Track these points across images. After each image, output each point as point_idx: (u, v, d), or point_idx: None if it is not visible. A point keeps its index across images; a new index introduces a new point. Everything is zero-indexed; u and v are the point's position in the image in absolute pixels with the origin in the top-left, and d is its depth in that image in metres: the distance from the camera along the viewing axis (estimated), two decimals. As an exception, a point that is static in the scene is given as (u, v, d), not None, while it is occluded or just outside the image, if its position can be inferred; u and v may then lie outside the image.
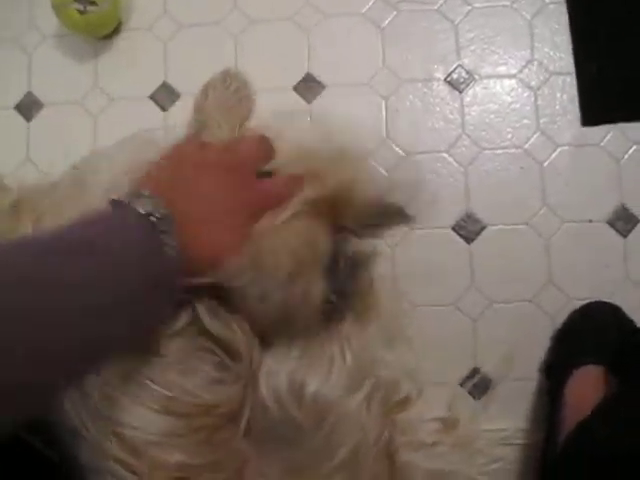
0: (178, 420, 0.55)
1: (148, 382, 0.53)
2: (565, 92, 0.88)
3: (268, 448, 0.59)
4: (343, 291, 0.59)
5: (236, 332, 0.56)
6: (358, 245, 0.60)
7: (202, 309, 0.54)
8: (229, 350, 0.56)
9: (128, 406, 0.53)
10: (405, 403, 0.77)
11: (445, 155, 0.87)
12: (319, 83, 0.90)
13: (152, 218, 0.37)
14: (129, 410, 0.53)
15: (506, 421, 0.81)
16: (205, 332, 0.55)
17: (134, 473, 0.55)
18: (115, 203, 0.38)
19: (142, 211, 0.37)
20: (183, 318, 0.53)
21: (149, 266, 0.36)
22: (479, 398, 0.83)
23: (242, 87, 0.83)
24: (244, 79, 0.84)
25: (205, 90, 0.83)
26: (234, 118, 0.79)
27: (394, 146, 0.88)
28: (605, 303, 0.83)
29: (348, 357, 0.62)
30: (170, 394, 0.54)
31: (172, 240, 0.37)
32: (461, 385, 0.83)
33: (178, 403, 0.54)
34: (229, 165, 0.46)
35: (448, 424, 0.75)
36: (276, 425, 0.59)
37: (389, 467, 0.72)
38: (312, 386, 0.59)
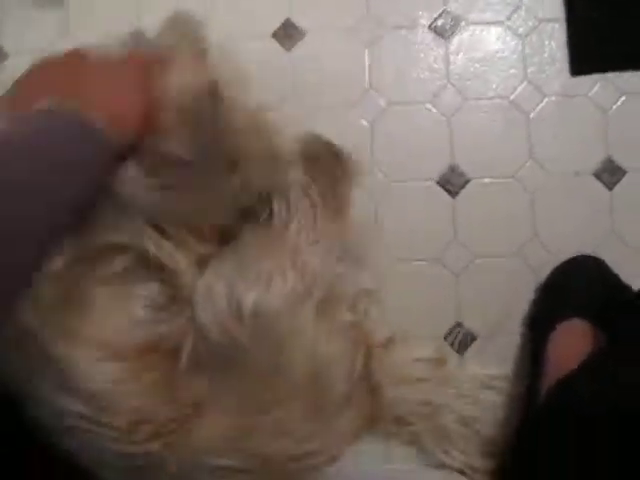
0: (124, 363, 0.55)
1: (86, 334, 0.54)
2: (554, 40, 0.85)
3: (220, 378, 0.59)
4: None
5: (179, 262, 0.56)
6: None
7: (147, 239, 0.54)
8: (170, 281, 0.56)
9: (74, 360, 0.53)
10: (388, 343, 0.77)
11: (429, 106, 0.85)
12: (298, 29, 0.86)
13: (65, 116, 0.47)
14: (77, 364, 0.53)
15: (489, 369, 0.80)
16: (147, 264, 0.56)
17: (93, 423, 0.54)
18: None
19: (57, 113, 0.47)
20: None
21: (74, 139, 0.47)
22: (462, 352, 0.82)
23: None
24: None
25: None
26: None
27: (377, 96, 0.85)
28: (590, 257, 0.82)
29: (289, 271, 0.61)
30: (110, 339, 0.54)
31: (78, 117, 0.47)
32: (444, 339, 0.82)
33: (119, 346, 0.55)
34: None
35: (435, 363, 0.76)
36: (222, 351, 0.59)
37: (374, 402, 0.72)
38: (249, 302, 0.58)
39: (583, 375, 0.65)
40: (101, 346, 0.55)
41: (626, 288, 0.79)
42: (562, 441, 0.62)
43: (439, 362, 0.79)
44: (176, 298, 0.59)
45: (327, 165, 0.75)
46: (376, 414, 0.72)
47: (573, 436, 0.60)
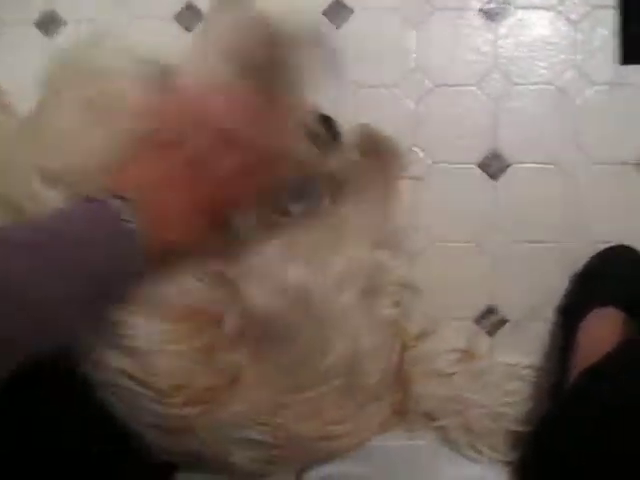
0: (170, 325, 0.57)
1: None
2: (606, 27, 0.84)
3: (259, 353, 0.61)
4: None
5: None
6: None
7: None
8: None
9: (127, 318, 0.56)
10: (421, 336, 0.78)
11: (474, 89, 0.85)
12: (347, 8, 0.86)
13: (123, 218, 0.49)
14: (125, 321, 0.56)
15: (521, 357, 0.81)
16: None
17: (136, 382, 0.56)
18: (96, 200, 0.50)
19: (115, 211, 0.49)
20: None
21: (117, 247, 0.50)
22: (494, 336, 0.83)
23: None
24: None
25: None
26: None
27: (423, 77, 0.85)
28: (627, 247, 0.81)
29: (336, 256, 0.64)
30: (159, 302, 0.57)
31: (134, 226, 0.49)
32: (477, 322, 0.83)
33: (167, 309, 0.58)
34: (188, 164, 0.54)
35: (466, 356, 0.76)
36: (265, 324, 0.60)
37: (403, 395, 0.73)
38: (294, 278, 0.61)
39: (609, 366, 0.65)
40: (149, 307, 0.58)
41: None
42: (585, 430, 0.62)
43: (469, 355, 0.79)
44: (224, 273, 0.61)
45: (380, 156, 0.76)
46: (405, 407, 0.73)
47: (596, 426, 0.61)
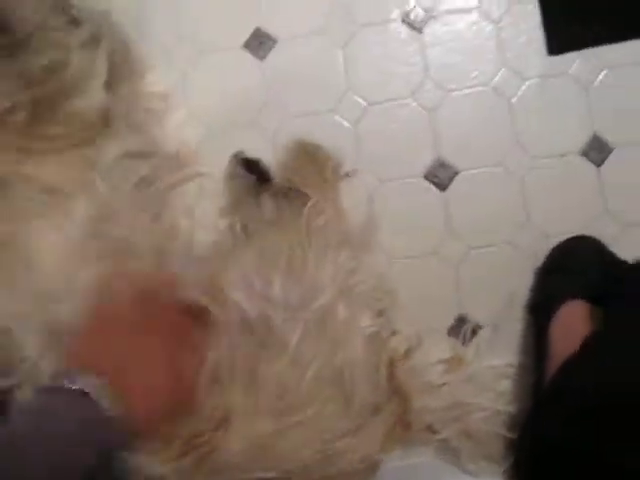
0: None
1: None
2: (528, 21, 0.84)
3: (245, 389, 0.62)
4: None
5: None
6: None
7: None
8: None
9: None
10: (408, 353, 0.78)
11: (409, 101, 0.84)
12: (269, 37, 0.84)
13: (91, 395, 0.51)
14: None
15: (503, 359, 0.81)
16: None
17: None
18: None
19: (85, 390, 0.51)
20: None
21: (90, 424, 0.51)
22: (468, 343, 0.83)
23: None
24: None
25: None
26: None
27: (356, 97, 0.84)
28: (584, 237, 0.81)
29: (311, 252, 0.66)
30: None
31: (107, 403, 0.51)
32: (452, 332, 0.83)
33: None
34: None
35: (453, 363, 0.76)
36: (251, 330, 0.63)
37: (404, 411, 0.73)
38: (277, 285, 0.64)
39: (580, 362, 0.65)
40: None
41: (623, 264, 0.79)
42: (564, 428, 0.62)
43: (457, 361, 0.79)
44: None
45: (316, 162, 0.76)
46: (408, 422, 0.73)
47: (575, 422, 0.61)
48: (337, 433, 0.65)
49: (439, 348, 0.80)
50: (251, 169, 0.78)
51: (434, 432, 0.76)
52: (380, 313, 0.75)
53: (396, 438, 0.73)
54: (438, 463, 0.76)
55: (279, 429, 0.62)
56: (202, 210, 0.75)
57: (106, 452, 0.51)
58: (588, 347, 0.66)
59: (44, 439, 0.48)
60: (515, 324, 0.82)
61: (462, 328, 0.82)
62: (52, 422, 0.50)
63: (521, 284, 0.82)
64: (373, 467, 0.70)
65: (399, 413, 0.73)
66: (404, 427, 0.74)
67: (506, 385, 0.79)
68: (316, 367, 0.63)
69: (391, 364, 0.75)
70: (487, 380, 0.78)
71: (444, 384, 0.77)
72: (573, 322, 0.75)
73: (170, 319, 0.61)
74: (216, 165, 0.79)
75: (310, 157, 0.79)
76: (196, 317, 0.63)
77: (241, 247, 0.69)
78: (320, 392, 0.64)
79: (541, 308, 0.80)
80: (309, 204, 0.71)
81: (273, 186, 0.77)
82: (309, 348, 0.64)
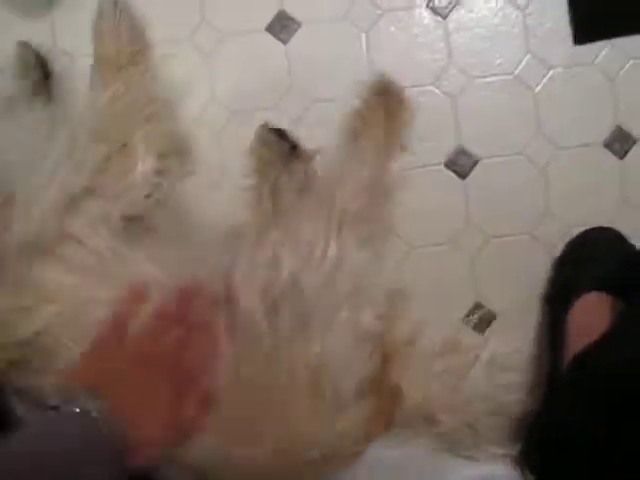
0: None
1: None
2: (555, 8, 0.83)
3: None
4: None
5: None
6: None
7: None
8: None
9: None
10: (409, 342, 0.78)
11: (432, 88, 0.83)
12: (294, 20, 0.84)
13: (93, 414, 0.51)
14: None
15: (513, 348, 0.80)
16: None
17: None
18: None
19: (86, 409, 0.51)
20: None
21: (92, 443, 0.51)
22: (483, 333, 0.83)
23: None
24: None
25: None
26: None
27: (378, 83, 0.83)
28: (603, 228, 0.81)
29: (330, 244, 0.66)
30: None
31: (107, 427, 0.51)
32: (465, 319, 0.83)
33: None
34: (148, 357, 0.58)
35: (452, 348, 0.76)
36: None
37: (393, 403, 0.73)
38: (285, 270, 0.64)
39: (598, 351, 0.65)
40: None
41: (643, 256, 0.79)
42: (580, 415, 0.63)
43: (455, 346, 0.79)
44: None
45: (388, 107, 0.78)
46: (396, 415, 0.73)
47: (590, 411, 0.62)
48: (314, 427, 0.64)
49: (446, 336, 0.79)
50: (282, 137, 0.78)
51: (434, 422, 0.75)
52: (380, 317, 0.74)
53: (382, 431, 0.72)
54: (434, 450, 0.76)
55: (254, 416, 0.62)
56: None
57: (118, 471, 0.51)
58: (606, 337, 0.66)
59: (48, 458, 0.47)
60: (531, 315, 0.82)
61: (474, 316, 0.83)
62: (56, 440, 0.49)
63: (539, 274, 0.82)
64: (354, 453, 0.69)
65: (388, 406, 0.72)
66: (385, 425, 0.73)
67: (514, 376, 0.78)
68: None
69: (386, 360, 0.74)
70: (492, 370, 0.77)
71: (445, 372, 0.76)
72: (590, 314, 0.75)
73: (177, 356, 0.60)
74: (238, 150, 0.79)
75: (387, 100, 0.79)
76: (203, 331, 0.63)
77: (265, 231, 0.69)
78: (296, 380, 0.63)
79: (558, 299, 0.80)
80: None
81: (303, 153, 0.77)
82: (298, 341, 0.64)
